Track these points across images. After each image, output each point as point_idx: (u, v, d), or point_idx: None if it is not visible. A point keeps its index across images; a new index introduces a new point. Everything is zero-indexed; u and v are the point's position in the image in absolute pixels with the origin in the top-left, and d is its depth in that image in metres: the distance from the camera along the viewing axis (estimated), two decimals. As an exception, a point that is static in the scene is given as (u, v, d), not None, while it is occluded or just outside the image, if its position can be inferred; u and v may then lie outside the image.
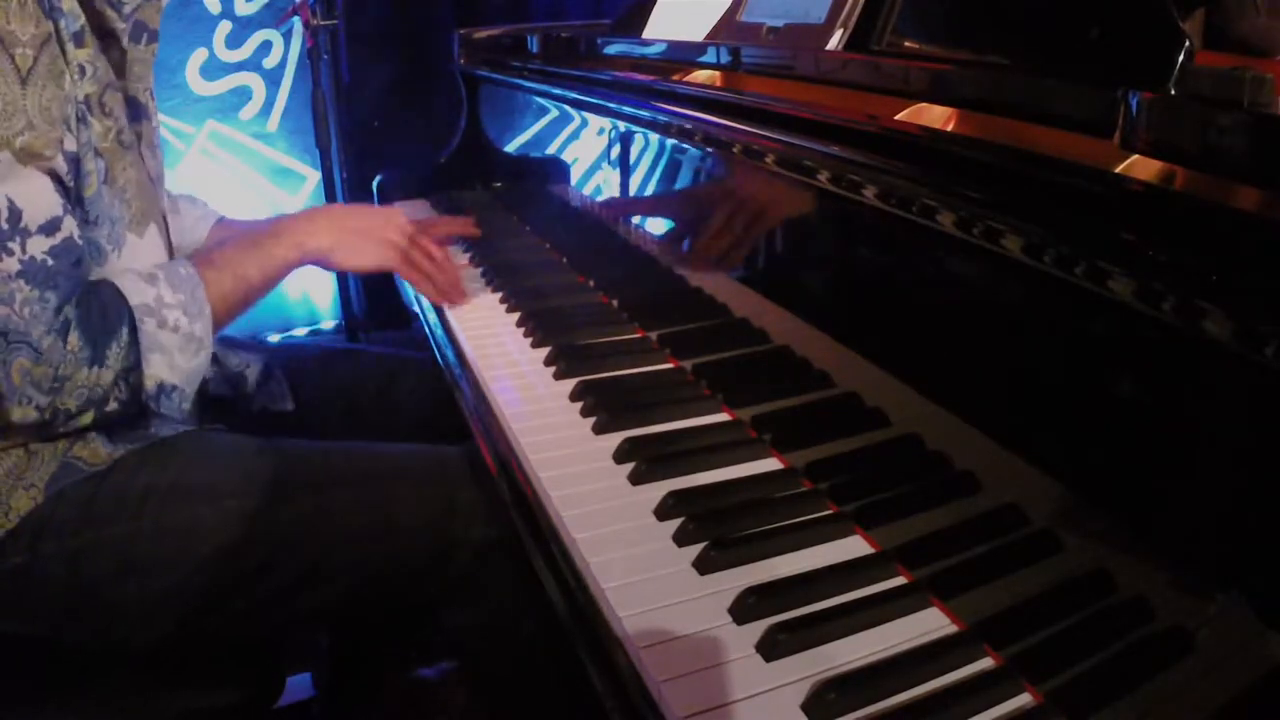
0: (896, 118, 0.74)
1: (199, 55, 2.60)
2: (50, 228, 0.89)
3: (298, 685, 1.51)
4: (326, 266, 1.17)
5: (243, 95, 2.69)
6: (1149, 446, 0.55)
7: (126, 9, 1.00)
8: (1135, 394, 0.56)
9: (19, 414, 0.88)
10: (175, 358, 0.97)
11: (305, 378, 1.32)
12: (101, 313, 0.93)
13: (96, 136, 0.97)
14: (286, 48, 2.70)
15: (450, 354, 1.18)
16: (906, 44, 0.90)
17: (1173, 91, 0.59)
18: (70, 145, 0.91)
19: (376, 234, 1.20)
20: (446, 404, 1.13)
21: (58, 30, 0.90)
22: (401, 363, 1.41)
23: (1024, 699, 0.61)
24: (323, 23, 2.34)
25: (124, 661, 1.02)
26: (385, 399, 1.36)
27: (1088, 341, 0.59)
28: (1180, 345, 0.51)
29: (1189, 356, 0.51)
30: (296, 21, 2.39)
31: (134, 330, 0.94)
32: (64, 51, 0.91)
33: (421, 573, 1.04)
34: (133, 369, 0.94)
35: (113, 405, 0.95)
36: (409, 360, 1.41)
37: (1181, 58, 0.59)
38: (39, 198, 0.88)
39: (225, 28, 2.61)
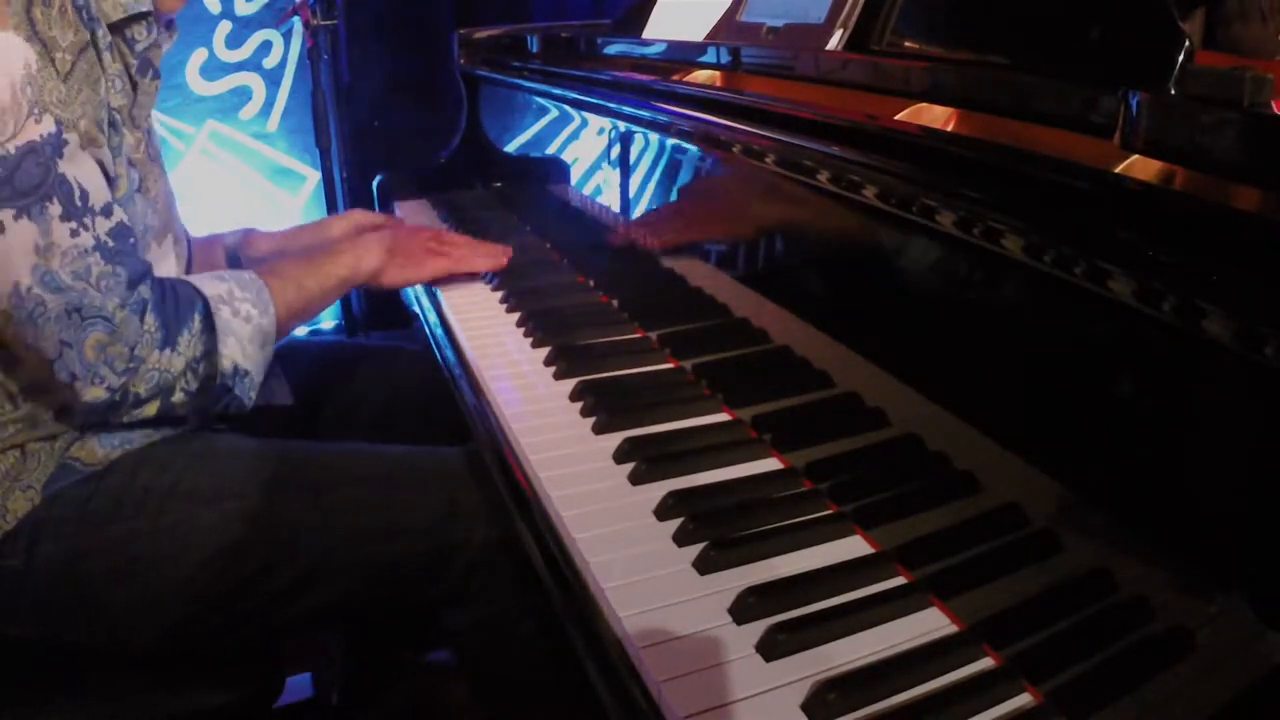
0: (896, 118, 0.74)
1: (199, 55, 2.60)
2: (106, 210, 0.92)
3: (298, 685, 1.51)
4: (378, 285, 1.24)
5: (243, 95, 2.69)
6: (1149, 446, 0.55)
7: (138, 46, 1.02)
8: (1135, 394, 0.56)
9: (90, 395, 0.90)
10: (246, 346, 1.02)
11: (305, 376, 1.32)
12: (175, 298, 0.97)
13: (129, 147, 0.99)
14: (286, 48, 2.70)
15: (450, 354, 1.18)
16: (906, 44, 0.90)
17: (1173, 91, 0.59)
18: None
19: (419, 248, 1.30)
20: (446, 404, 1.13)
21: (95, 39, 0.92)
22: (401, 362, 1.41)
23: (1024, 699, 0.61)
24: (323, 23, 2.34)
25: (124, 661, 1.02)
26: (385, 398, 1.36)
27: (1088, 341, 0.59)
28: (1180, 345, 0.51)
29: (1189, 356, 0.51)
30: (296, 21, 2.39)
31: (207, 318, 0.99)
32: (101, 59, 0.93)
33: (422, 573, 1.04)
34: (202, 358, 0.98)
35: (179, 395, 0.98)
36: (409, 359, 1.41)
37: (1181, 58, 0.59)
38: (95, 181, 0.92)
39: (225, 28, 2.61)
